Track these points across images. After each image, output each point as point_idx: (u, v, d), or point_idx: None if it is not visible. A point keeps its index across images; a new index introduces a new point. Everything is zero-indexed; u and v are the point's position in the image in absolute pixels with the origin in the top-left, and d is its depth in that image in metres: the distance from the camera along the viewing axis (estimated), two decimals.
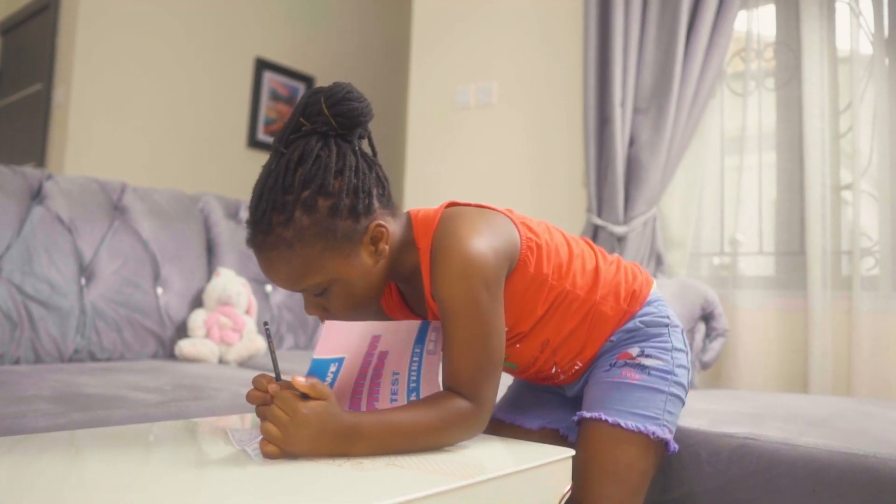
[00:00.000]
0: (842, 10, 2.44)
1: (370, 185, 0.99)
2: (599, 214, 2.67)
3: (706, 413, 1.45)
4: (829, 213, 2.36)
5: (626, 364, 1.18)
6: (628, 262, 1.28)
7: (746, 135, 2.57)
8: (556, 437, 1.28)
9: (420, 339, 1.08)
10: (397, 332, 1.04)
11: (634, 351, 1.19)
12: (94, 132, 3.80)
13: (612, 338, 1.20)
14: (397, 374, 1.07)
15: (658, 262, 2.62)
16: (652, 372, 1.17)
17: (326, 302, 1.02)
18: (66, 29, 3.89)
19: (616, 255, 1.29)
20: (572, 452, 1.01)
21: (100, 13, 3.82)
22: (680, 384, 1.18)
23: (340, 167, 0.96)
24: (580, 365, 1.22)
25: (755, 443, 1.25)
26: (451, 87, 3.26)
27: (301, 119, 0.98)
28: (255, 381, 0.99)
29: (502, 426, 1.31)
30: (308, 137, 0.97)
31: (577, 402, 1.27)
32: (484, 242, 1.01)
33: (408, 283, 1.12)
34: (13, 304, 1.90)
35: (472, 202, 1.14)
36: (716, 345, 2.30)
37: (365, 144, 1.05)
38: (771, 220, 2.56)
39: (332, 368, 0.96)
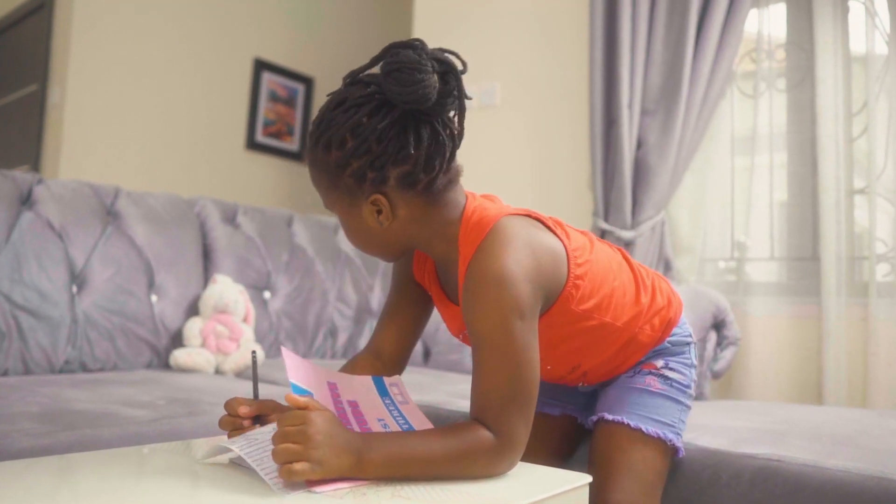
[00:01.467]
0: (856, 10, 2.37)
1: (390, 160, 0.96)
2: (606, 219, 2.60)
3: (725, 431, 1.38)
4: (844, 217, 2.29)
5: (650, 373, 1.23)
6: (661, 283, 1.27)
7: (757, 137, 2.50)
8: (575, 425, 1.35)
9: (382, 392, 1.05)
10: (353, 385, 1.03)
11: (660, 363, 1.24)
12: (90, 133, 3.72)
13: (642, 358, 1.26)
14: (383, 419, 1.01)
15: (667, 267, 2.55)
16: (673, 384, 1.23)
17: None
18: (61, 29, 3.82)
19: (651, 273, 1.27)
20: (589, 479, 0.95)
21: (95, 13, 3.75)
22: (691, 396, 1.26)
23: (358, 126, 0.96)
24: (603, 381, 1.28)
25: (779, 465, 1.18)
26: None
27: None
28: (228, 405, 0.97)
29: None
30: (364, 85, 0.98)
31: (591, 393, 1.34)
32: (524, 272, 0.98)
33: (443, 267, 1.13)
34: (1, 313, 1.84)
35: (531, 211, 1.10)
36: (727, 353, 2.23)
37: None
38: (783, 224, 2.49)
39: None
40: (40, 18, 3.99)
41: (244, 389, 1.79)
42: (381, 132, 0.95)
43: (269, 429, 0.93)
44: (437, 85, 0.95)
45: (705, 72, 2.47)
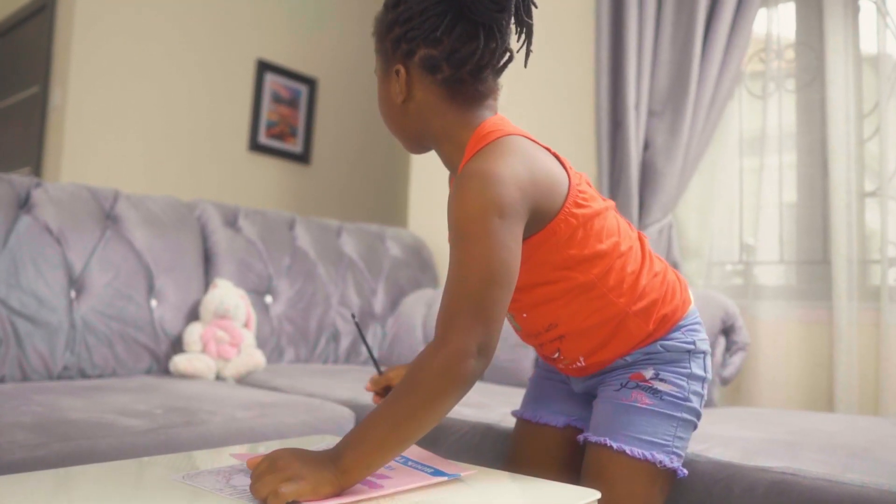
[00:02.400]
0: (867, 9, 2.33)
1: (422, 37, 1.01)
2: None
3: (736, 442, 1.34)
4: (855, 220, 2.25)
5: (637, 386, 1.13)
6: (673, 277, 1.18)
7: (766, 138, 2.46)
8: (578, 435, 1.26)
9: None
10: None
11: (648, 373, 1.14)
12: (91, 135, 3.70)
13: (628, 357, 1.15)
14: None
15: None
16: (664, 397, 1.12)
17: None
18: (62, 31, 3.79)
19: (668, 268, 1.19)
20: (597, 495, 0.91)
21: (97, 14, 3.73)
22: (692, 410, 1.14)
23: (406, 0, 1.02)
24: (582, 363, 1.17)
25: (794, 479, 1.14)
26: None
27: None
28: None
29: (529, 427, 1.30)
30: None
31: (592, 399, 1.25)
32: (514, 176, 0.95)
33: (452, 175, 1.15)
34: None
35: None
36: (736, 359, 2.19)
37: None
38: (792, 227, 2.45)
39: None
40: (42, 20, 3.97)
41: (245, 396, 1.76)
42: (425, 6, 1.00)
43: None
44: None
45: (713, 72, 2.43)
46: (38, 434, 1.27)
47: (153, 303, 2.12)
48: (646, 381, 1.13)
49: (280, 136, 4.26)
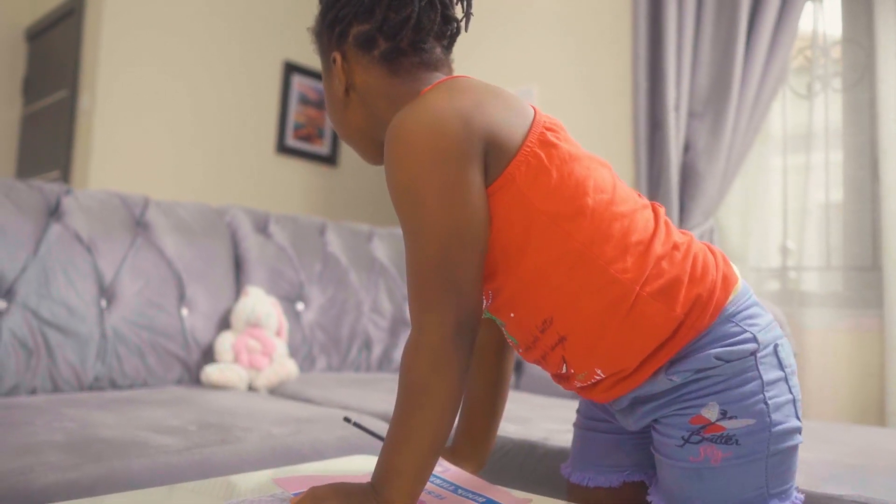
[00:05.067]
0: None
1: (352, 13, 0.92)
2: None
3: (800, 465, 1.27)
4: None
5: (703, 439, 0.87)
6: (703, 249, 0.93)
7: (811, 139, 2.37)
8: (643, 490, 1.02)
9: None
10: None
11: (712, 413, 0.87)
12: (120, 139, 3.69)
13: (673, 376, 0.88)
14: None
15: None
16: (743, 440, 0.86)
17: None
18: (90, 35, 3.78)
19: (688, 233, 0.95)
20: None
21: (125, 19, 3.71)
22: (785, 433, 0.88)
23: None
24: (601, 376, 0.91)
25: None
26: None
27: None
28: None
29: (581, 491, 1.06)
30: None
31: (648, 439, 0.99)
32: (453, 107, 0.83)
33: None
34: (29, 330, 1.77)
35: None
36: None
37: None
38: (839, 231, 2.36)
39: None
40: (70, 25, 3.96)
41: (279, 410, 1.71)
42: None
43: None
44: None
45: (757, 72, 2.35)
46: (70, 454, 1.23)
47: (184, 311, 2.08)
48: (712, 426, 0.87)
49: (307, 138, 4.22)
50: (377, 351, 2.54)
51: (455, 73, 0.98)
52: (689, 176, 2.43)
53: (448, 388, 0.79)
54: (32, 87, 4.46)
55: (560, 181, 0.86)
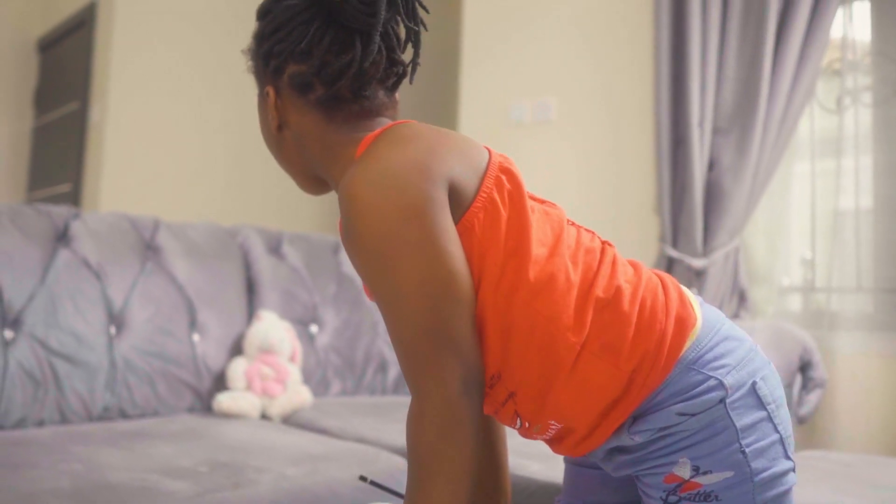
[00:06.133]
0: None
1: (288, 51, 0.86)
2: (675, 245, 2.41)
3: None
4: None
5: (680, 499, 0.81)
6: (654, 287, 0.85)
7: (841, 158, 2.30)
8: None
9: None
10: None
11: (685, 470, 0.80)
12: (130, 151, 3.65)
13: (635, 435, 0.82)
14: None
15: (741, 299, 2.35)
16: (722, 495, 0.80)
17: None
18: (101, 48, 3.75)
19: (640, 270, 0.88)
20: None
21: (136, 31, 3.68)
22: (772, 478, 0.81)
23: (272, 9, 0.88)
24: (557, 426, 0.85)
25: None
26: (505, 101, 3.03)
27: None
28: None
29: None
30: None
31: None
32: (410, 160, 0.78)
33: None
34: (36, 360, 1.72)
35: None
36: (813, 397, 2.04)
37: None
38: (870, 252, 2.28)
39: None
40: (81, 37, 3.94)
41: (293, 444, 1.66)
42: (291, 14, 0.86)
43: None
44: None
45: (785, 87, 2.27)
46: (75, 503, 1.17)
47: (195, 337, 2.03)
48: (688, 483, 0.80)
49: None
50: (393, 373, 2.48)
51: (403, 117, 0.91)
52: (713, 194, 2.35)
53: (460, 453, 0.74)
54: (43, 98, 4.44)
55: (509, 231, 0.80)
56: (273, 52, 0.88)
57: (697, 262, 2.33)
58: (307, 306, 2.33)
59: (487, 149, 0.87)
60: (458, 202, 0.79)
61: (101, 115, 3.69)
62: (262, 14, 0.90)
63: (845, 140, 2.29)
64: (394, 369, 2.48)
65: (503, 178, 0.83)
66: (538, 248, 0.81)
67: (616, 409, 0.81)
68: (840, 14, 2.33)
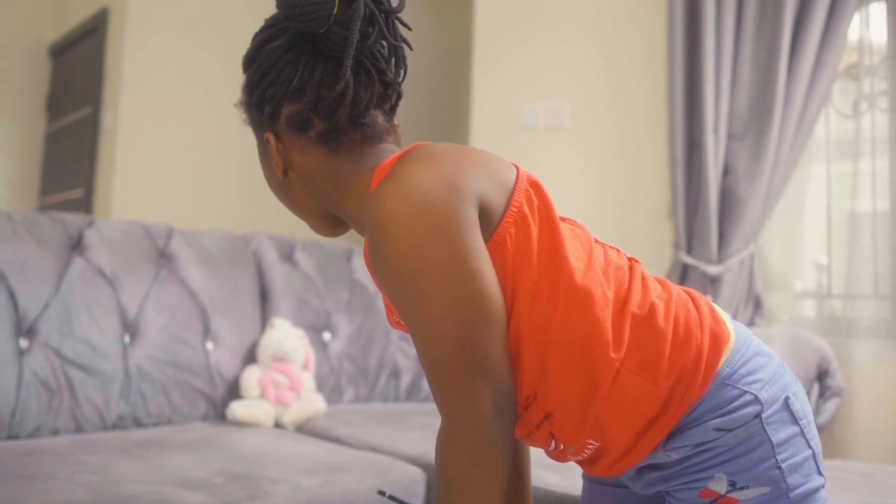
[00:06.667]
0: None
1: (280, 92, 0.85)
2: (689, 252, 2.40)
3: None
4: None
5: None
6: (685, 303, 0.85)
7: (858, 161, 2.27)
8: None
9: None
10: None
11: (721, 485, 0.80)
12: (142, 156, 3.66)
13: (671, 452, 0.81)
14: None
15: (756, 305, 2.34)
16: None
17: None
18: (113, 53, 3.76)
19: (668, 286, 0.87)
20: None
21: (147, 37, 3.69)
22: (806, 494, 0.81)
23: (261, 45, 0.87)
24: (593, 445, 0.84)
25: None
26: (517, 106, 3.01)
27: None
28: None
29: None
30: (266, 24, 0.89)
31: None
32: (439, 177, 0.76)
33: None
34: (51, 370, 1.72)
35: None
36: (831, 406, 2.02)
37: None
38: (886, 257, 2.26)
39: None
40: (93, 42, 3.95)
41: (307, 454, 1.65)
42: (276, 57, 0.85)
43: None
44: (335, 7, 0.81)
45: (801, 92, 2.25)
46: None
47: (209, 345, 2.03)
48: (723, 498, 0.80)
49: None
50: (406, 380, 2.47)
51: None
52: (728, 200, 2.33)
53: (491, 477, 0.74)
54: (56, 104, 4.45)
55: (542, 246, 0.79)
56: (265, 98, 0.87)
57: (712, 269, 2.32)
58: (320, 314, 2.33)
59: (514, 164, 0.86)
60: (489, 218, 0.77)
61: (112, 120, 3.70)
62: (248, 63, 0.89)
63: (862, 143, 2.27)
64: (406, 376, 2.48)
65: (532, 192, 0.82)
66: (574, 261, 0.80)
67: (654, 427, 0.80)
68: (856, 18, 2.31)
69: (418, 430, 1.95)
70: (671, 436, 0.81)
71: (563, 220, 0.86)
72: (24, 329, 1.72)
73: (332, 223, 0.93)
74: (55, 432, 1.73)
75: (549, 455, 0.91)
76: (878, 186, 2.26)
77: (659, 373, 0.79)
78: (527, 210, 0.80)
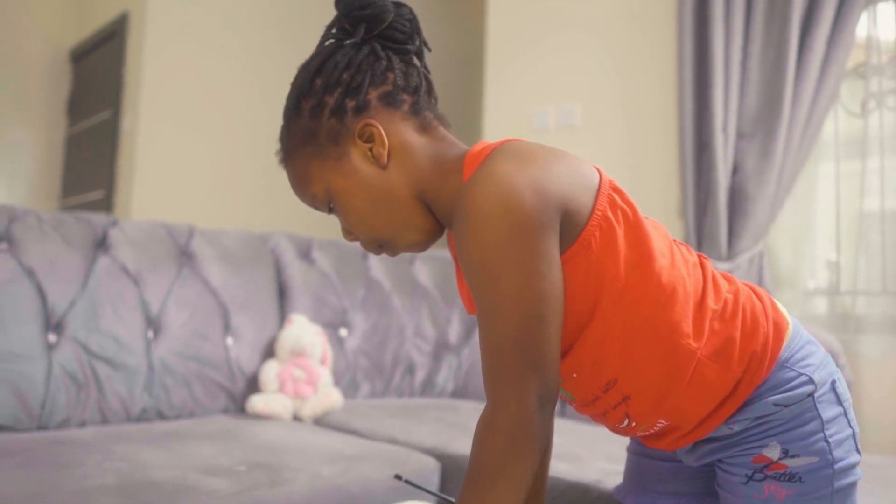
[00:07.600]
0: None
1: (366, 81, 0.88)
2: (700, 249, 2.44)
3: None
4: None
5: (766, 477, 0.88)
6: (750, 298, 0.93)
7: (866, 159, 2.30)
8: None
9: None
10: None
11: (774, 452, 0.88)
12: (162, 159, 3.73)
13: (733, 425, 0.89)
14: None
15: None
16: (806, 476, 0.87)
17: (343, 222, 0.93)
18: (133, 57, 3.84)
19: (734, 281, 0.95)
20: None
21: (167, 40, 3.76)
22: (846, 468, 0.88)
23: (320, 65, 0.89)
24: (664, 423, 0.92)
25: None
26: (530, 108, 3.06)
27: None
28: None
29: None
30: (323, 41, 0.93)
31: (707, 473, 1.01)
32: (526, 178, 0.79)
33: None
34: (79, 364, 1.78)
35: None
36: None
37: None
38: (895, 255, 2.29)
39: None
40: (113, 46, 4.02)
41: (326, 444, 1.70)
42: (349, 61, 0.88)
43: None
44: (392, 9, 0.90)
45: (809, 91, 2.29)
46: (122, 499, 1.22)
47: (229, 341, 2.08)
48: (775, 464, 0.88)
49: None
50: (420, 376, 2.52)
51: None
52: (737, 199, 2.37)
53: (524, 469, 0.78)
54: (76, 107, 4.53)
55: (629, 247, 0.85)
56: (349, 91, 0.88)
57: (722, 266, 2.35)
58: (337, 310, 2.38)
59: (597, 168, 0.90)
60: (574, 221, 0.82)
61: (133, 123, 3.78)
62: (316, 70, 0.90)
63: (870, 141, 2.30)
64: (421, 372, 2.53)
65: (615, 196, 0.87)
66: (660, 258, 0.86)
67: (724, 406, 0.89)
68: (864, 16, 2.34)
69: (433, 423, 2.00)
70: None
71: (646, 219, 0.91)
72: (53, 324, 1.78)
73: (425, 223, 0.92)
74: (82, 424, 1.79)
75: (615, 430, 0.98)
76: (886, 184, 2.28)
77: (732, 359, 0.87)
78: (610, 214, 0.85)
